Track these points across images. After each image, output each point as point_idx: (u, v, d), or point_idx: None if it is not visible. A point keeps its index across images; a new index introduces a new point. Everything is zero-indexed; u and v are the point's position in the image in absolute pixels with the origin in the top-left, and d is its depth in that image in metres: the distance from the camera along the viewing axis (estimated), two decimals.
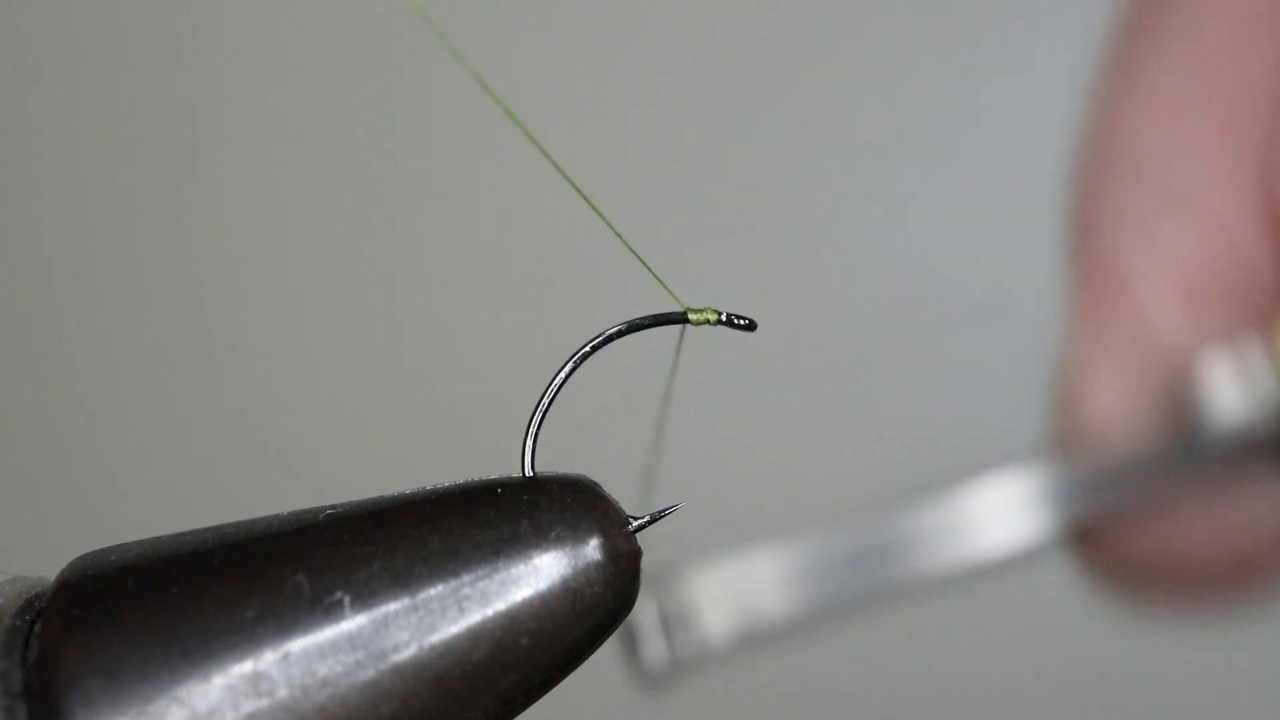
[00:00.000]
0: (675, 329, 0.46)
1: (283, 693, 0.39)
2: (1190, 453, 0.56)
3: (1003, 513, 0.56)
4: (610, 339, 0.44)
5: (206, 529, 0.42)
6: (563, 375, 0.43)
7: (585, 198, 0.45)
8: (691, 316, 0.45)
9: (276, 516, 0.42)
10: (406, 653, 0.39)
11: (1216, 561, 0.58)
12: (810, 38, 1.22)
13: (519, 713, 0.41)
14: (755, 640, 0.52)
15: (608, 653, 0.44)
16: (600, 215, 0.45)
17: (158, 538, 0.42)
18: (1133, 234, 0.57)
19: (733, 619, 0.51)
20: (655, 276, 0.46)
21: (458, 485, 0.42)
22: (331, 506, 0.42)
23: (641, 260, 0.46)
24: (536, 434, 0.43)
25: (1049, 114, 1.17)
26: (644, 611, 0.51)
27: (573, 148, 1.23)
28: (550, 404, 0.43)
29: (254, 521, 0.42)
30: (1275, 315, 0.57)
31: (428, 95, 1.24)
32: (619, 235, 0.45)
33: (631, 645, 0.50)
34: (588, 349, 0.44)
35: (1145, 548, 0.58)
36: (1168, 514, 0.57)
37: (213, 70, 1.26)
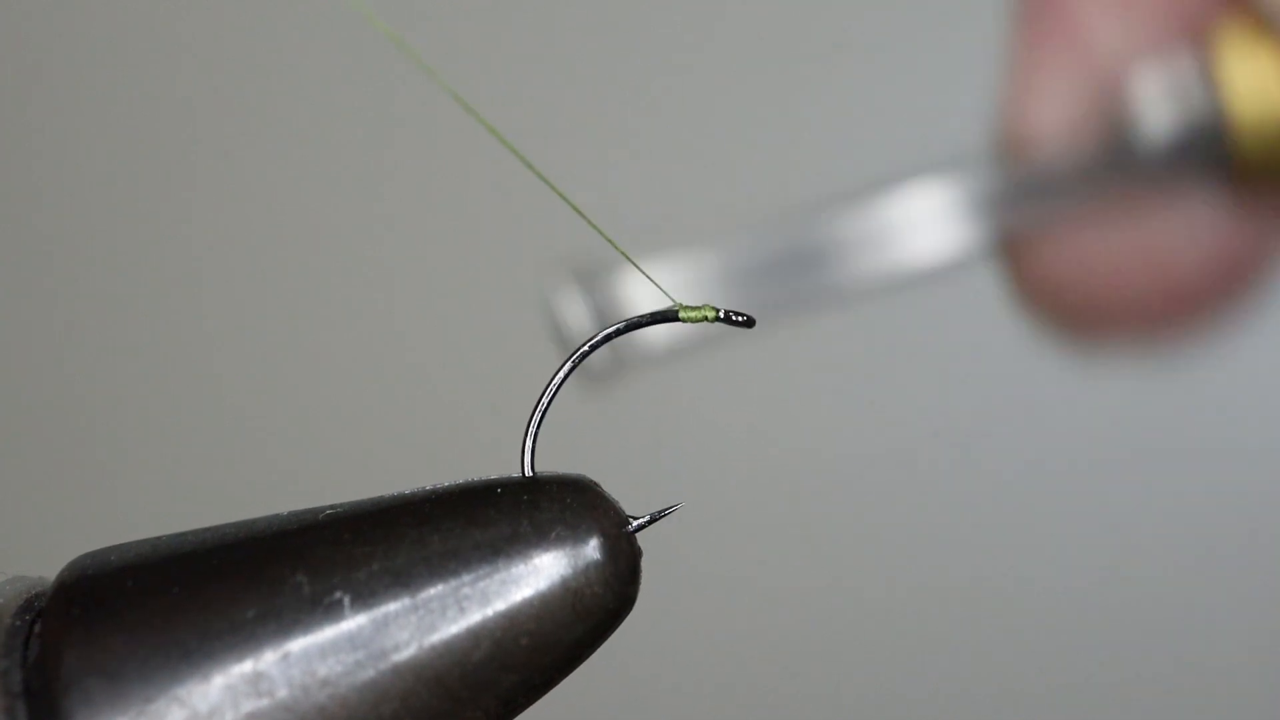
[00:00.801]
0: (675, 327, 0.46)
1: (283, 692, 0.39)
2: (1122, 166, 0.56)
3: (933, 219, 0.55)
4: (609, 338, 0.44)
5: (206, 529, 0.42)
6: (561, 375, 0.43)
7: (571, 203, 0.45)
8: (683, 314, 0.45)
9: (276, 516, 0.42)
10: (406, 653, 0.39)
11: (1143, 287, 0.58)
12: (805, 30, 1.22)
13: (519, 712, 0.41)
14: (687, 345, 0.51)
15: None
16: (586, 218, 0.45)
17: (158, 538, 0.42)
18: None
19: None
20: (646, 276, 0.46)
21: (458, 485, 0.42)
22: (331, 506, 0.42)
23: (632, 261, 0.46)
24: (536, 434, 0.43)
25: None
26: (579, 311, 0.50)
27: (572, 148, 1.23)
28: (550, 404, 0.43)
29: (254, 521, 0.42)
30: (1210, 29, 0.57)
31: (429, 96, 1.24)
32: (609, 240, 0.45)
33: (566, 344, 0.49)
34: (586, 348, 0.44)
35: (1073, 263, 0.58)
36: (1097, 230, 0.57)
37: (212, 70, 1.26)
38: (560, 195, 0.44)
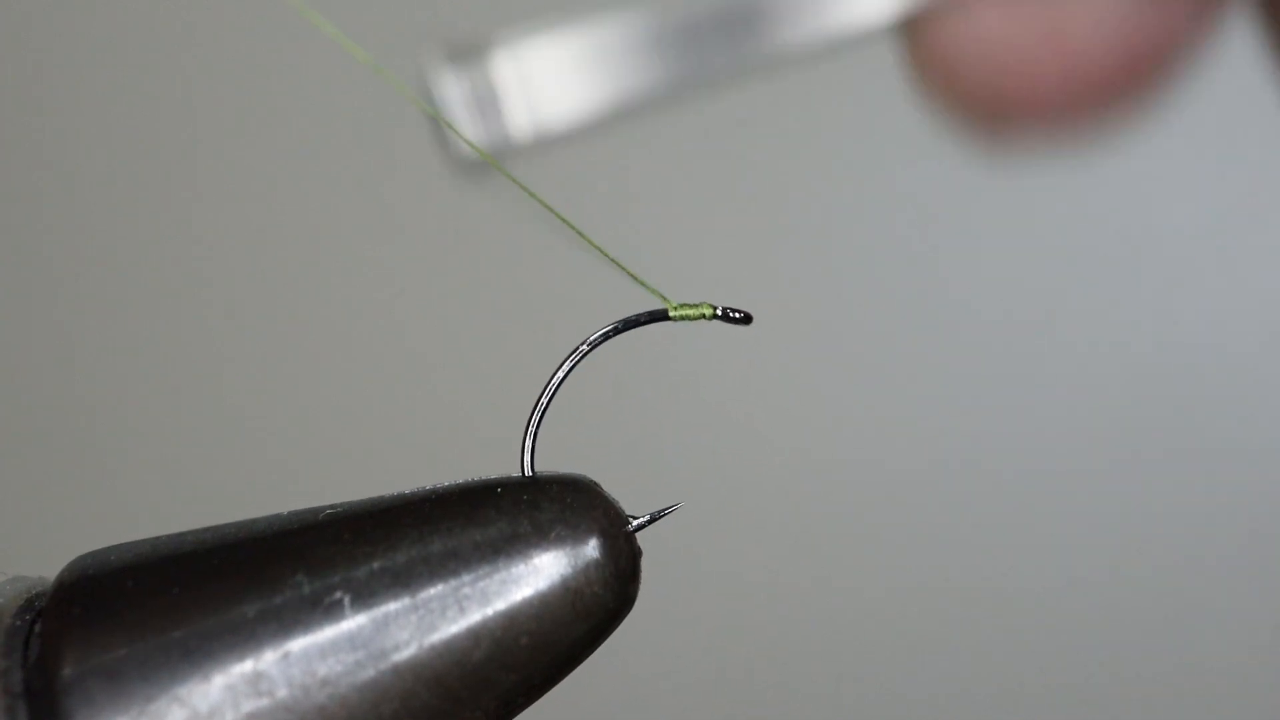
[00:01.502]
0: (678, 325, 0.46)
1: (283, 692, 0.39)
2: None
3: None
4: (606, 337, 0.44)
5: (206, 529, 0.42)
6: (560, 375, 0.43)
7: (558, 214, 0.45)
8: (674, 313, 0.45)
9: (277, 516, 0.42)
10: (406, 652, 0.39)
11: (1050, 73, 0.54)
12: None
13: (519, 712, 0.41)
14: (588, 122, 0.48)
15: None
16: (572, 227, 0.45)
17: (158, 538, 0.42)
18: None
19: (556, 98, 0.47)
20: (633, 277, 0.46)
21: (458, 485, 0.42)
22: (331, 506, 0.42)
23: (619, 264, 0.46)
24: (536, 434, 0.43)
25: None
26: (454, 91, 0.47)
27: (571, 147, 1.23)
28: (549, 404, 0.43)
29: (254, 521, 0.42)
30: None
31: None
32: (597, 247, 0.45)
33: (442, 129, 0.46)
34: (585, 348, 0.44)
35: (976, 40, 0.54)
36: (1002, 5, 0.53)
37: (213, 71, 1.26)
38: (551, 209, 0.44)
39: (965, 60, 0.54)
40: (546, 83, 0.47)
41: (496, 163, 0.43)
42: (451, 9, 1.22)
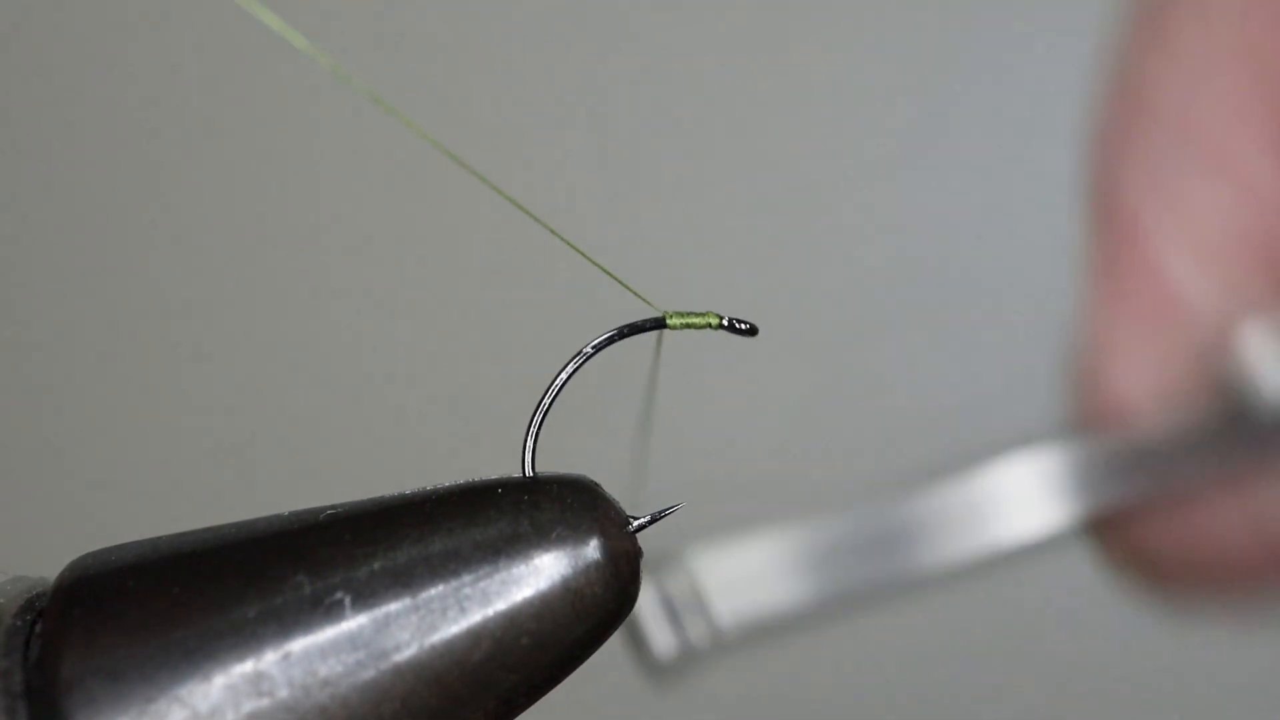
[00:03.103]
0: (681, 331, 0.46)
1: (283, 692, 0.39)
2: (1225, 433, 0.51)
3: (1021, 498, 0.51)
4: (610, 341, 0.44)
5: (207, 529, 0.42)
6: (563, 377, 0.44)
7: (550, 227, 0.45)
8: (671, 321, 0.45)
9: (277, 516, 0.42)
10: (407, 653, 0.39)
11: (1251, 554, 0.53)
12: (793, 15, 1.22)
13: (520, 712, 0.41)
14: (765, 628, 0.50)
15: (614, 648, 0.44)
16: (564, 240, 0.45)
17: (158, 538, 0.42)
18: (1155, 193, 0.52)
19: (741, 604, 0.49)
20: (625, 286, 0.46)
21: (458, 485, 0.42)
22: (332, 506, 0.42)
23: (611, 274, 0.46)
24: (537, 434, 0.43)
25: (1058, 82, 1.17)
26: (648, 599, 0.49)
27: (571, 148, 1.23)
28: (551, 405, 0.43)
29: (254, 521, 0.42)
30: None
31: (432, 97, 1.24)
32: (590, 258, 0.45)
33: (637, 635, 0.48)
34: (589, 350, 0.44)
35: (1173, 539, 0.53)
36: (1198, 501, 0.52)
37: (214, 71, 1.26)
38: (542, 223, 0.44)
39: (1166, 549, 0.53)
40: (733, 588, 0.49)
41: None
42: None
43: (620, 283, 0.46)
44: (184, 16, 1.26)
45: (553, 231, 0.45)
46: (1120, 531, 0.53)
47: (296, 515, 0.42)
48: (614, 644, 0.43)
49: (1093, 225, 0.54)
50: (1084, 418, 0.53)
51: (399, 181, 1.25)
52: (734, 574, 0.48)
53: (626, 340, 0.44)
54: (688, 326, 0.45)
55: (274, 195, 1.28)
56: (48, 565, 0.42)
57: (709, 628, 0.48)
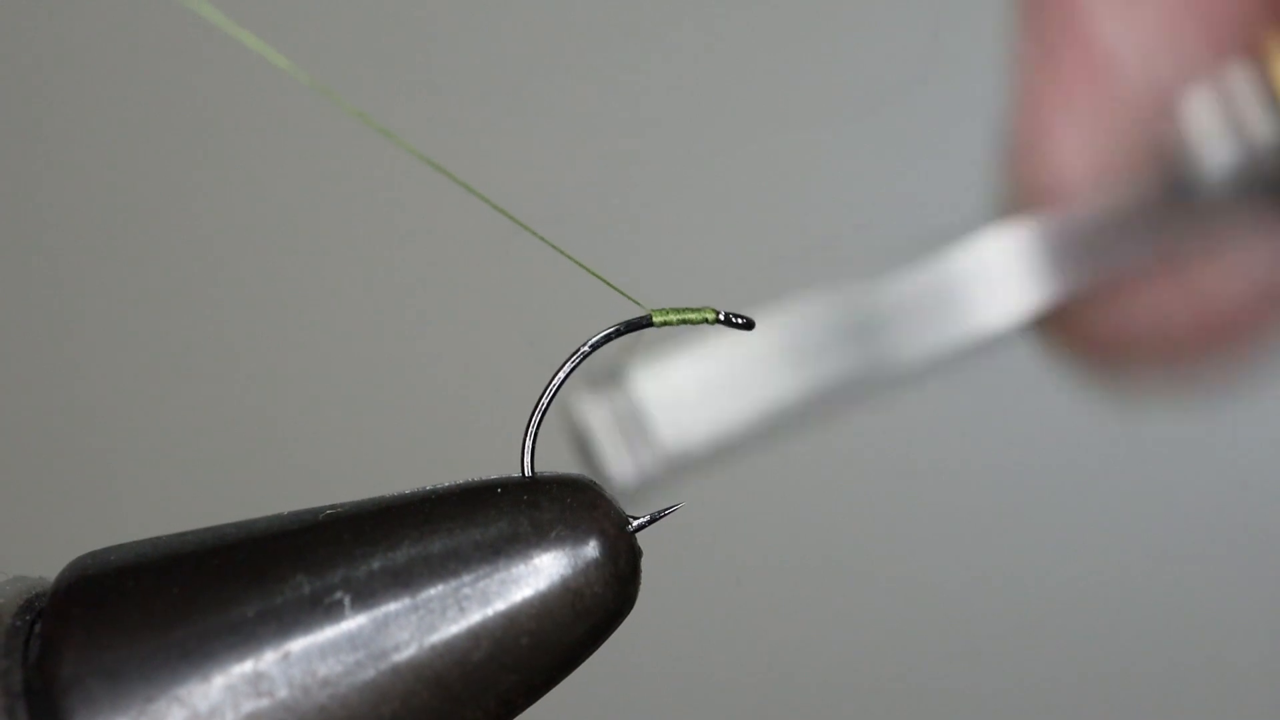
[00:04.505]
0: (678, 328, 0.46)
1: (283, 692, 0.39)
2: (1166, 207, 0.48)
3: (968, 287, 0.48)
4: (608, 339, 0.44)
5: (206, 529, 0.42)
6: (561, 375, 0.43)
7: (535, 232, 0.45)
8: (659, 319, 0.45)
9: (277, 516, 0.42)
10: (407, 653, 0.39)
11: (1194, 330, 0.50)
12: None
13: (519, 712, 0.41)
14: (731, 441, 0.48)
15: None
16: (545, 240, 0.45)
17: (158, 538, 0.42)
18: None
19: (701, 417, 0.47)
20: (612, 286, 0.46)
21: (458, 485, 0.42)
22: (331, 506, 0.42)
23: (599, 276, 0.46)
24: (536, 434, 0.43)
25: None
26: (598, 420, 0.47)
27: (570, 149, 1.23)
28: (549, 404, 0.43)
29: (254, 521, 0.42)
30: (1263, 39, 0.48)
31: (433, 97, 1.24)
32: (573, 258, 0.45)
33: (592, 459, 0.47)
34: (587, 348, 0.44)
35: (1116, 320, 0.50)
36: (1140, 280, 0.49)
37: (214, 71, 1.26)
38: (528, 228, 0.44)
39: (1103, 324, 0.51)
40: (685, 403, 0.47)
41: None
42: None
43: (604, 281, 0.46)
44: (183, 15, 1.26)
45: (532, 232, 0.45)
46: (1064, 316, 0.51)
47: (296, 515, 0.42)
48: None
49: None
50: (1023, 198, 0.50)
51: (399, 184, 1.25)
52: (691, 384, 0.46)
53: (626, 335, 0.44)
54: (684, 322, 0.45)
55: (275, 197, 1.28)
56: (48, 565, 0.42)
57: (661, 449, 0.46)
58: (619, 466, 0.45)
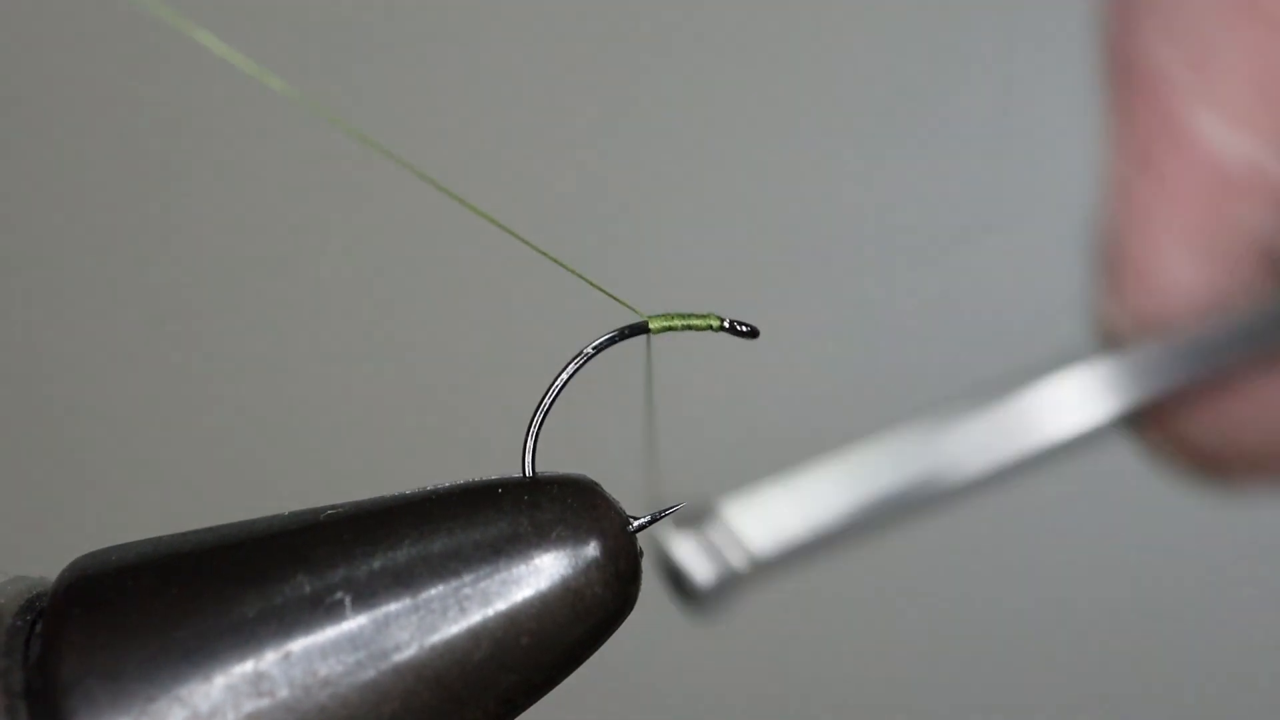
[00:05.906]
0: (682, 333, 0.46)
1: (284, 692, 0.39)
2: (1275, 312, 0.46)
3: (1068, 419, 0.46)
4: (611, 342, 0.44)
5: (207, 529, 0.42)
6: (564, 377, 0.44)
7: (530, 243, 0.45)
8: (654, 324, 0.45)
9: (277, 516, 0.42)
10: (407, 653, 0.39)
11: None
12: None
13: (520, 712, 0.41)
14: (803, 551, 0.48)
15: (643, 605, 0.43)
16: (551, 257, 0.45)
17: (158, 538, 0.42)
18: (1178, 44, 0.45)
19: (776, 531, 0.47)
20: (608, 294, 0.46)
21: (458, 485, 0.42)
22: (332, 506, 0.42)
23: (594, 283, 0.46)
24: (537, 435, 0.43)
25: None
26: (682, 541, 0.47)
27: (569, 150, 1.23)
28: (551, 405, 0.43)
29: (254, 521, 0.42)
30: None
31: (432, 99, 1.24)
32: (570, 268, 0.45)
33: (676, 574, 0.46)
34: (590, 351, 0.44)
35: (1221, 427, 0.48)
36: (1246, 387, 0.47)
37: (219, 74, 1.26)
38: (522, 239, 0.44)
39: (1214, 437, 0.48)
40: (766, 519, 0.47)
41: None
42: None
43: (600, 289, 0.46)
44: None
45: (526, 243, 0.45)
46: (1166, 422, 0.48)
47: (296, 515, 0.41)
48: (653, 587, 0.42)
49: (1110, 90, 0.47)
50: (1123, 326, 0.47)
51: (403, 190, 1.25)
52: (767, 505, 0.46)
53: (628, 341, 0.44)
54: (686, 328, 0.45)
55: (280, 202, 1.28)
56: (48, 565, 0.42)
57: (746, 554, 0.46)
58: (703, 572, 0.45)
